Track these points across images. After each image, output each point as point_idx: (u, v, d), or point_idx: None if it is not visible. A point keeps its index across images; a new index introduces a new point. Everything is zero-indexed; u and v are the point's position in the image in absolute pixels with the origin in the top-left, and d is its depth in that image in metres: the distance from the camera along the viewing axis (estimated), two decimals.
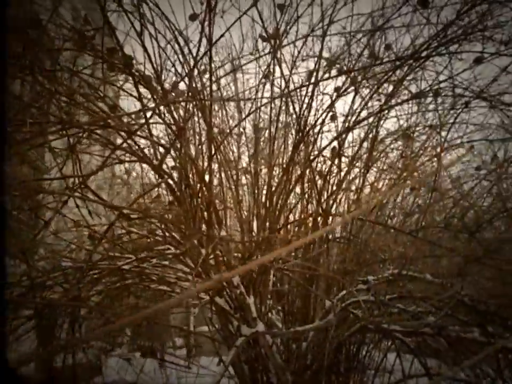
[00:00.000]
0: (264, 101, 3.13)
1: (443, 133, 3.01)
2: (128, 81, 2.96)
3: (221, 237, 2.95)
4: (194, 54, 2.81)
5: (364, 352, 3.34)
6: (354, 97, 3.07)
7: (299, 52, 2.94)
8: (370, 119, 3.07)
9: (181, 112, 2.91)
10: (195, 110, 2.90)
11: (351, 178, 3.11)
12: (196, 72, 2.86)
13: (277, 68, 2.99)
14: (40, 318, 2.95)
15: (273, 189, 3.00)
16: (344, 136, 2.98)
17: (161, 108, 2.83)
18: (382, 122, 3.10)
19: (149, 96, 2.85)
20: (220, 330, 3.27)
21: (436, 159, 3.21)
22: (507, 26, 2.33)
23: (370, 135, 3.07)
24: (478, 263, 2.47)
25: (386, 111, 2.99)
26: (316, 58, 2.97)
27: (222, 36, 2.87)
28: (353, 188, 3.14)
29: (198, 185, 2.90)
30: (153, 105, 2.89)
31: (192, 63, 2.84)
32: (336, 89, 3.05)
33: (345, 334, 2.97)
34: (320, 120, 3.04)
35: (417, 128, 3.30)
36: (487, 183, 3.01)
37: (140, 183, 3.34)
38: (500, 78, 2.64)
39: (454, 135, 3.04)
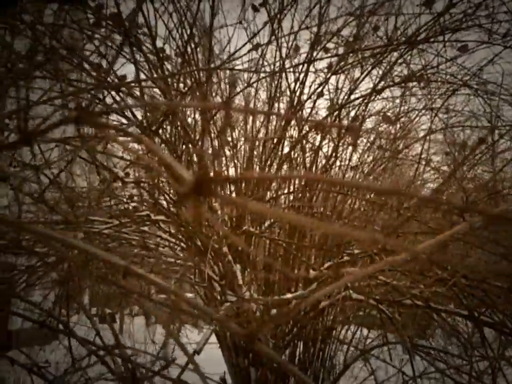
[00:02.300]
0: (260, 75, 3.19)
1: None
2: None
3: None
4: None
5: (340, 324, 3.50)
6: (345, 77, 3.20)
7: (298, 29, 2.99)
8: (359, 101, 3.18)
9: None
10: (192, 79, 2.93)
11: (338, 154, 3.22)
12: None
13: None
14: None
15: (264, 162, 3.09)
16: (334, 114, 3.09)
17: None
18: (370, 104, 3.22)
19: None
20: (204, 296, 3.35)
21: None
22: (502, 18, 2.48)
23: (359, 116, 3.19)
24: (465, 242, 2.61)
25: (375, 94, 3.11)
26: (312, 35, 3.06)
27: None
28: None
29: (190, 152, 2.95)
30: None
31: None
32: (329, 67, 3.16)
33: (326, 302, 3.12)
34: (311, 97, 3.15)
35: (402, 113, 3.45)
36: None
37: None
38: (487, 68, 2.81)
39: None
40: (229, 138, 3.36)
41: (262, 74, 3.23)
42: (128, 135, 0.80)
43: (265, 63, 3.15)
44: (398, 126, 3.57)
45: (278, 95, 3.15)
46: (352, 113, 3.24)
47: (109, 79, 2.76)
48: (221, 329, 3.20)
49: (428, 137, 3.10)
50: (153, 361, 2.05)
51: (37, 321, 2.02)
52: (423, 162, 3.28)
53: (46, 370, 1.90)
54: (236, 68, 3.13)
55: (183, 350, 0.86)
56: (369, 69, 3.02)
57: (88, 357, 1.88)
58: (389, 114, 3.55)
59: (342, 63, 3.06)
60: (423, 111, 3.27)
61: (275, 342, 3.17)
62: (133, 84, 2.83)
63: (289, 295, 3.11)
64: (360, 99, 3.12)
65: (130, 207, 3.32)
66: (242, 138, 3.39)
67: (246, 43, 2.68)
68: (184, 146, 3.01)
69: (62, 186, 2.70)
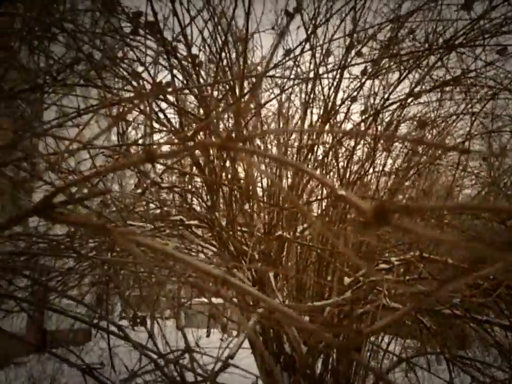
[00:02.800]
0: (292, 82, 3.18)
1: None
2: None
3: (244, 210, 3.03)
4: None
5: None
6: (380, 82, 3.16)
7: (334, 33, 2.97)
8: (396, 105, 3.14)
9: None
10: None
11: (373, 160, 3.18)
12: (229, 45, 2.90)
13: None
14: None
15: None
16: (370, 118, 3.05)
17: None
18: (406, 108, 3.18)
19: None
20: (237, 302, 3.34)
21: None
22: None
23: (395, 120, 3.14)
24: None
25: (413, 98, 3.06)
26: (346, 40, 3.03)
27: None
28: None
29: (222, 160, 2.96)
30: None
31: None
32: (363, 71, 3.12)
33: (360, 310, 3.08)
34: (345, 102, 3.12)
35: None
36: None
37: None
38: None
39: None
40: (261, 144, 3.36)
41: (296, 81, 3.21)
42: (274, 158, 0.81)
43: (299, 69, 3.13)
44: (435, 131, 3.50)
45: (311, 101, 3.13)
46: (387, 118, 3.19)
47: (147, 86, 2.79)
48: (253, 335, 3.20)
49: (465, 143, 3.04)
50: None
51: (90, 322, 2.04)
52: (460, 168, 3.22)
53: (98, 371, 1.92)
54: (270, 74, 3.12)
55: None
56: (406, 73, 2.97)
57: (139, 362, 1.88)
58: (424, 119, 3.50)
59: (377, 67, 3.02)
60: (461, 116, 3.20)
61: (308, 348, 3.14)
62: (169, 91, 2.85)
63: (323, 302, 3.08)
64: (397, 103, 3.07)
65: (164, 212, 3.35)
66: (275, 144, 3.39)
67: (286, 52, 2.66)
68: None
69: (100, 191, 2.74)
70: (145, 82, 2.64)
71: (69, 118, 2.36)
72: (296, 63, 3.04)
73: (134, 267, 3.03)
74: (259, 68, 3.45)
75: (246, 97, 3.08)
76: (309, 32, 2.87)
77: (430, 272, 2.76)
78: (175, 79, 2.85)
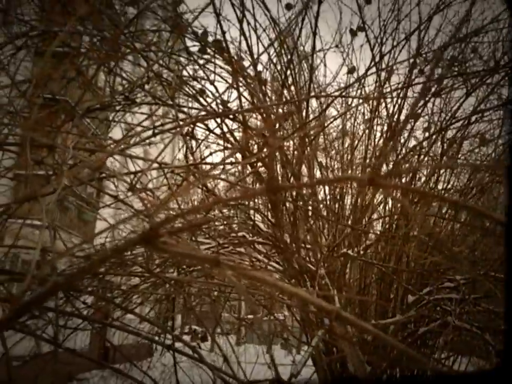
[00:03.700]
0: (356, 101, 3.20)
1: None
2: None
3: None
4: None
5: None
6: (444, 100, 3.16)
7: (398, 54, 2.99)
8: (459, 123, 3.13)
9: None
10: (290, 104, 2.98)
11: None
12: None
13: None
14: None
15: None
16: (434, 136, 3.05)
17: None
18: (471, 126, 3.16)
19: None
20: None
21: None
22: None
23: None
24: None
25: (478, 116, 3.05)
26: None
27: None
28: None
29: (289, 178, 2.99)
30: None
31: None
32: (424, 89, 3.13)
33: (423, 329, 3.04)
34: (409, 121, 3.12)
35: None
36: None
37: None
38: None
39: None
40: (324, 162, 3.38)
41: (356, 101, 3.23)
42: None
43: (363, 86, 3.15)
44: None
45: (376, 119, 3.14)
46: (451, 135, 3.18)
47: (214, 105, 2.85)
48: (317, 353, 3.19)
49: None
50: None
51: (164, 344, 2.05)
52: None
53: None
54: (334, 94, 3.16)
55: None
56: (471, 90, 2.96)
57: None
58: (486, 136, 3.47)
59: (441, 85, 3.02)
60: None
61: (372, 367, 3.12)
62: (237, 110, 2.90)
63: (386, 320, 3.06)
64: (461, 121, 3.07)
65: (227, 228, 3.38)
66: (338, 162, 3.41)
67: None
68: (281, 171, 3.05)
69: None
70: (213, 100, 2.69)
71: (141, 137, 2.42)
72: (361, 84, 3.06)
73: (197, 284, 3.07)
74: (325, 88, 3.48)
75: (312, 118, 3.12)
76: (376, 60, 2.89)
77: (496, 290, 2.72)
78: (242, 98, 2.89)
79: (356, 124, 3.50)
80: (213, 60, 2.80)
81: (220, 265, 0.70)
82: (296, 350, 5.56)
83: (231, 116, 2.86)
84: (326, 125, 3.21)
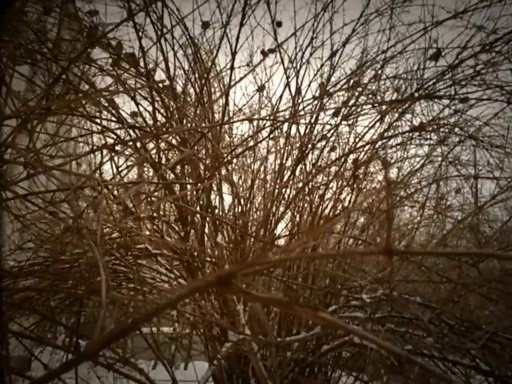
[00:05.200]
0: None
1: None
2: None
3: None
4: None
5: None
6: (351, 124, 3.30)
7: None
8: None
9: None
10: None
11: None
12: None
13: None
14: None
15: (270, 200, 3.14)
16: (343, 158, 3.17)
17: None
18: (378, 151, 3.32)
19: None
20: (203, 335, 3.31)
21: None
22: None
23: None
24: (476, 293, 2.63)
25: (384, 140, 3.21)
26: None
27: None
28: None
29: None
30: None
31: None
32: (335, 113, 3.25)
33: (328, 347, 3.10)
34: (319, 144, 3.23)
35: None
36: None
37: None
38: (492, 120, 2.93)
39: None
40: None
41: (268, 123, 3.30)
42: None
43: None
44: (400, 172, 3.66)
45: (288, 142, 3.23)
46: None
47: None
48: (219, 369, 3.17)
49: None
50: None
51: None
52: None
53: None
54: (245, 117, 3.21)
55: None
56: (379, 118, 3.12)
57: None
58: (387, 159, 3.64)
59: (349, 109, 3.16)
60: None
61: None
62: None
63: (291, 338, 3.10)
64: (368, 145, 3.21)
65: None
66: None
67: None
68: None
69: None
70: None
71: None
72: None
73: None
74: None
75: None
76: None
77: (399, 310, 2.84)
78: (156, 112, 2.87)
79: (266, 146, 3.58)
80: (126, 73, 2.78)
81: (295, 310, 0.65)
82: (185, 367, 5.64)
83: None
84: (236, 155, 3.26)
